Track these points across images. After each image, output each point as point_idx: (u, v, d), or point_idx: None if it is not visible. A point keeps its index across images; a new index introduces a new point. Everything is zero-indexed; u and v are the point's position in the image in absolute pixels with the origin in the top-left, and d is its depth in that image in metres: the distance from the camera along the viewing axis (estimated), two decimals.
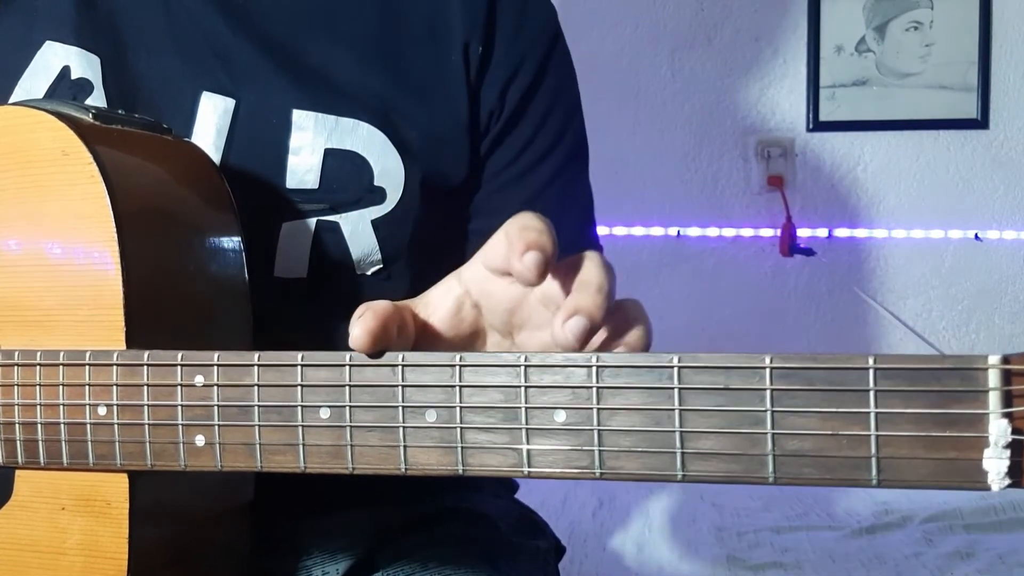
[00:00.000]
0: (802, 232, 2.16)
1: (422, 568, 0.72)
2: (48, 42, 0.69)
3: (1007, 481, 0.34)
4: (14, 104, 0.59)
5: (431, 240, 0.75)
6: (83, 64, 0.69)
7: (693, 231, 2.19)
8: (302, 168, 0.69)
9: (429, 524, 0.76)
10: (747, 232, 2.17)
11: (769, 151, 2.16)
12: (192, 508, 0.60)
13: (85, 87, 0.68)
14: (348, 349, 0.72)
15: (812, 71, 2.15)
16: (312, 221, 0.69)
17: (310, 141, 0.69)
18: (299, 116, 0.69)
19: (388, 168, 0.70)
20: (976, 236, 2.14)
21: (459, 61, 0.73)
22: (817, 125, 2.16)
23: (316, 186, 0.69)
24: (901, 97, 2.14)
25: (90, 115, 0.58)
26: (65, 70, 0.69)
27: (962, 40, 2.11)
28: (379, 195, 0.70)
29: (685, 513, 1.62)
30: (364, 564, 0.73)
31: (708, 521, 1.58)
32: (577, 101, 0.80)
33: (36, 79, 0.69)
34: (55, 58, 0.69)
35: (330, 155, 0.69)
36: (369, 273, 0.72)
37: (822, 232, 2.16)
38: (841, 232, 2.16)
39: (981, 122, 2.12)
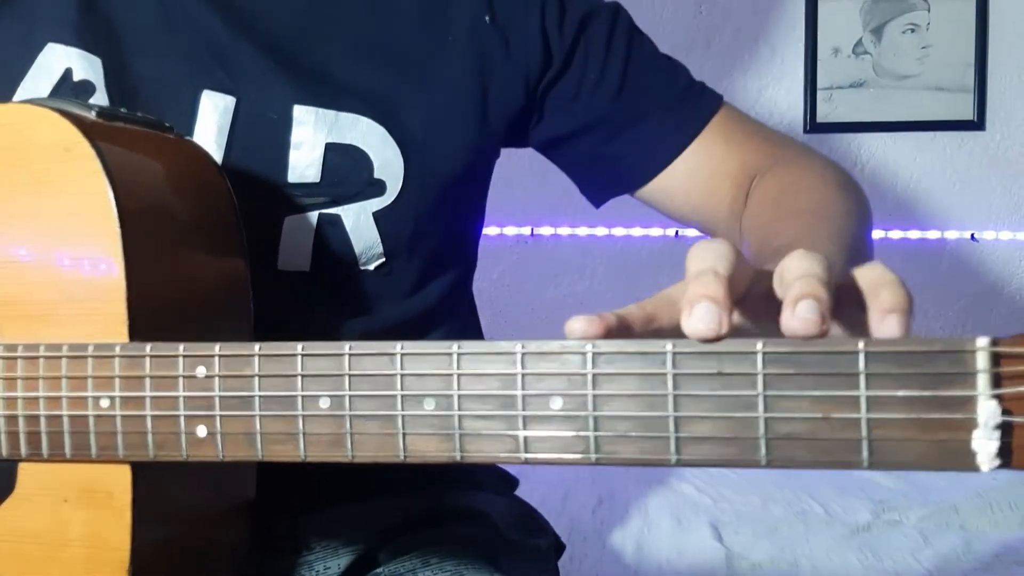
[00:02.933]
0: None
1: (423, 565, 0.72)
2: (50, 44, 0.70)
3: (997, 462, 0.34)
4: (17, 102, 0.60)
5: (433, 236, 0.75)
6: (85, 66, 0.69)
7: (692, 231, 2.19)
8: (303, 163, 0.70)
9: (430, 522, 0.77)
10: None
11: None
12: (194, 501, 0.60)
13: (87, 88, 0.69)
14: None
15: (810, 72, 2.15)
16: (314, 215, 0.70)
17: (311, 136, 0.70)
18: (300, 112, 0.70)
19: (387, 161, 0.71)
20: (973, 237, 2.14)
21: (460, 39, 0.73)
22: (814, 126, 2.16)
23: (317, 180, 0.70)
24: (898, 98, 2.14)
25: (93, 112, 0.59)
26: (67, 72, 0.69)
27: (959, 42, 2.11)
28: (379, 187, 0.71)
29: (684, 511, 1.62)
30: (365, 561, 0.74)
31: (707, 518, 1.58)
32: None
33: (38, 81, 0.69)
34: (57, 60, 0.69)
35: (331, 149, 0.70)
36: (372, 268, 0.73)
37: None
38: None
39: (978, 123, 2.12)
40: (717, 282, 0.39)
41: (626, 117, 0.77)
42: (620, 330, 0.42)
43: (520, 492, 0.90)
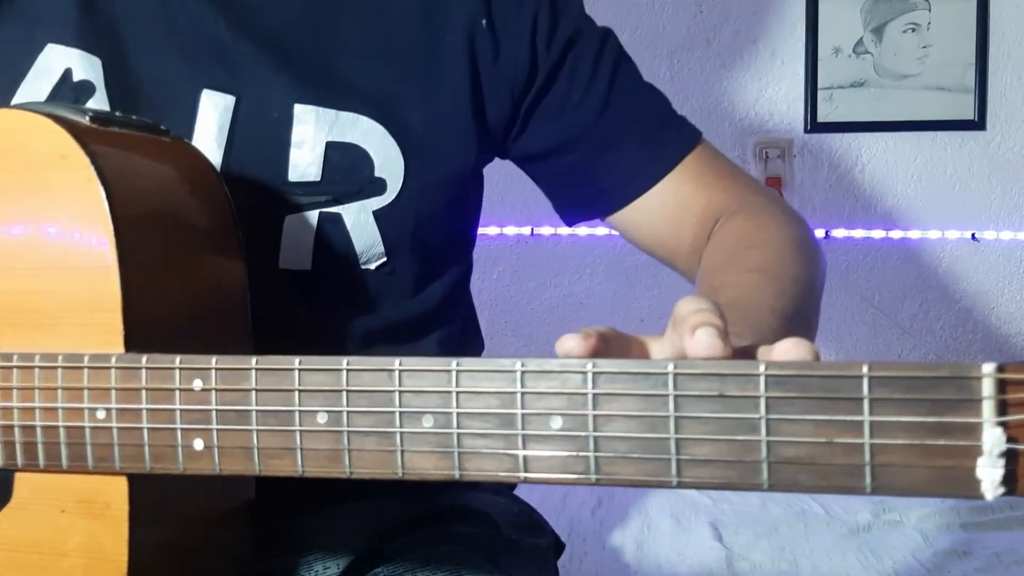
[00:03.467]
0: None
1: (422, 565, 0.72)
2: (50, 44, 0.70)
3: (1001, 490, 0.34)
4: (11, 107, 0.59)
5: (434, 234, 0.75)
6: (85, 66, 0.69)
7: None
8: (304, 161, 0.70)
9: (429, 521, 0.77)
10: None
11: (767, 152, 2.16)
12: (192, 509, 0.60)
13: (87, 89, 0.69)
14: (350, 342, 0.73)
15: (810, 72, 2.15)
16: (314, 214, 0.70)
17: (311, 135, 0.70)
18: (300, 110, 0.70)
19: (388, 159, 0.71)
20: (973, 237, 2.14)
21: (457, 42, 0.74)
22: (815, 126, 2.16)
23: (318, 178, 0.70)
24: (899, 98, 2.14)
25: (87, 118, 0.58)
26: (67, 72, 0.69)
27: (960, 42, 2.11)
28: (380, 186, 0.71)
29: (684, 511, 1.62)
30: (364, 560, 0.74)
31: (707, 519, 1.58)
32: (588, 15, 0.81)
33: (38, 82, 0.69)
34: (57, 60, 0.69)
35: (331, 148, 0.70)
36: (373, 267, 0.73)
37: (820, 232, 2.16)
38: (839, 232, 2.17)
39: (978, 123, 2.12)
40: (714, 313, 0.42)
41: (605, 139, 0.78)
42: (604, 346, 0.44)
43: (519, 492, 0.90)
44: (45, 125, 0.56)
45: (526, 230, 2.21)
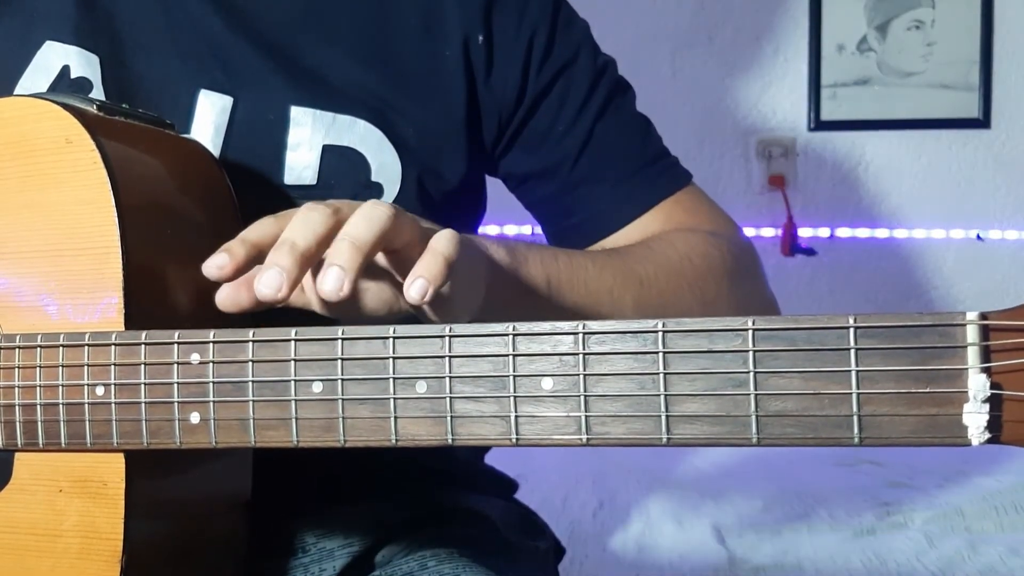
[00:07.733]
0: (803, 232, 2.16)
1: (421, 567, 0.71)
2: (48, 42, 0.70)
3: (987, 435, 0.34)
4: (20, 96, 0.60)
5: None
6: (82, 63, 0.69)
7: None
8: (300, 164, 0.70)
9: (428, 524, 0.76)
10: (748, 232, 2.17)
11: (770, 150, 2.16)
12: (189, 494, 0.60)
13: (84, 86, 0.69)
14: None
15: (813, 70, 2.15)
16: None
17: (308, 137, 0.70)
18: (297, 113, 0.70)
19: (385, 164, 0.71)
20: (978, 236, 2.14)
21: (456, 56, 0.73)
22: (818, 124, 2.16)
23: (314, 182, 0.70)
24: (903, 96, 2.14)
25: (94, 107, 0.59)
26: (65, 69, 0.69)
27: (964, 39, 2.11)
28: (376, 191, 0.71)
29: (686, 513, 1.61)
30: (361, 562, 0.73)
31: (709, 521, 1.58)
32: (594, 43, 0.81)
33: (36, 78, 0.69)
34: (55, 57, 0.70)
35: (328, 151, 0.70)
36: None
37: (823, 232, 2.16)
38: (842, 232, 2.16)
39: (983, 121, 2.12)
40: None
41: (583, 175, 0.78)
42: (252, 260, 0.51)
43: (520, 494, 0.89)
44: (53, 111, 0.57)
45: (526, 230, 2.21)
